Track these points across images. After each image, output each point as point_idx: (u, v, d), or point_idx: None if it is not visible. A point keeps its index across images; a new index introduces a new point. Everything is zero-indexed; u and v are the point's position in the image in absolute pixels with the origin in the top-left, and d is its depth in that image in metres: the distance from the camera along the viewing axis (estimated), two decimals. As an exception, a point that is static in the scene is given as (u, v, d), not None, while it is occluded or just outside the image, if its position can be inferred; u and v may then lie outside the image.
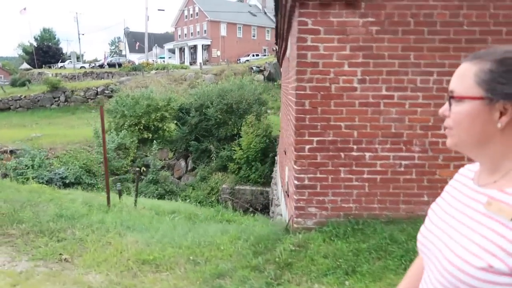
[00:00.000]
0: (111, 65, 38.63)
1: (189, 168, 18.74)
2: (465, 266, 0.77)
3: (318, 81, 3.68)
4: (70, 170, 11.17)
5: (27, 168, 10.54)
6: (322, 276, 3.17)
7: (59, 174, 10.76)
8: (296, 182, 3.85)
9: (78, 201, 6.13)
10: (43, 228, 4.65)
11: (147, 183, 15.24)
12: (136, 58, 45.79)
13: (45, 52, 47.32)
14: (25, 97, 28.98)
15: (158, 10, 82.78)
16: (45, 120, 25.67)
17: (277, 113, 21.70)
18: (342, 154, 3.79)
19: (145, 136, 17.91)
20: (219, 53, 42.85)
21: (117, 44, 67.34)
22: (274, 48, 11.01)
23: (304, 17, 3.58)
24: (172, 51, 50.27)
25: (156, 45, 47.18)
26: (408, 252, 3.24)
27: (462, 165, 0.98)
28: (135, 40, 53.91)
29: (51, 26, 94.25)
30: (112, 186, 8.87)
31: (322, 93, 3.70)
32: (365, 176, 3.82)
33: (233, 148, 16.66)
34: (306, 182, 3.84)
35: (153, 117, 17.90)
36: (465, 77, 0.83)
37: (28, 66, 42.72)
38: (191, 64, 41.30)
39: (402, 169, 3.80)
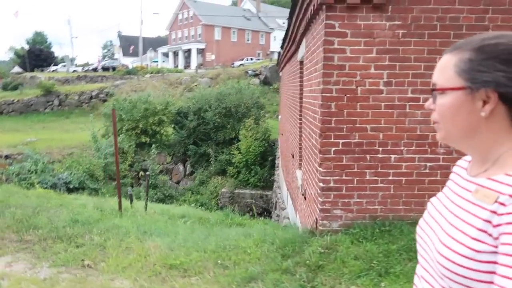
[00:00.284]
0: (105, 68, 38.34)
1: (187, 172, 18.62)
2: (452, 255, 0.76)
3: (344, 83, 3.70)
4: (74, 175, 10.99)
5: (31, 173, 10.35)
6: (355, 278, 3.16)
7: (62, 179, 10.58)
8: (321, 184, 3.85)
9: (89, 206, 6.05)
10: (60, 234, 4.58)
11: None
12: (130, 62, 45.56)
13: (37, 55, 46.74)
14: (18, 101, 28.61)
15: (153, 13, 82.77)
16: (39, 125, 25.34)
17: (274, 117, 21.75)
18: (368, 156, 3.81)
19: (143, 140, 17.75)
20: (213, 57, 42.82)
21: (109, 48, 66.95)
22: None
23: (331, 20, 3.59)
24: (166, 54, 50.10)
25: (151, 48, 46.99)
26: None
27: None
28: (129, 44, 53.65)
29: (43, 30, 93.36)
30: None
31: (348, 95, 3.71)
32: (390, 178, 3.84)
33: (232, 152, 16.60)
34: (332, 184, 3.84)
35: (151, 121, 17.75)
36: (446, 68, 0.82)
37: (20, 70, 42.13)
38: (185, 68, 41.19)
39: (427, 170, 3.83)
